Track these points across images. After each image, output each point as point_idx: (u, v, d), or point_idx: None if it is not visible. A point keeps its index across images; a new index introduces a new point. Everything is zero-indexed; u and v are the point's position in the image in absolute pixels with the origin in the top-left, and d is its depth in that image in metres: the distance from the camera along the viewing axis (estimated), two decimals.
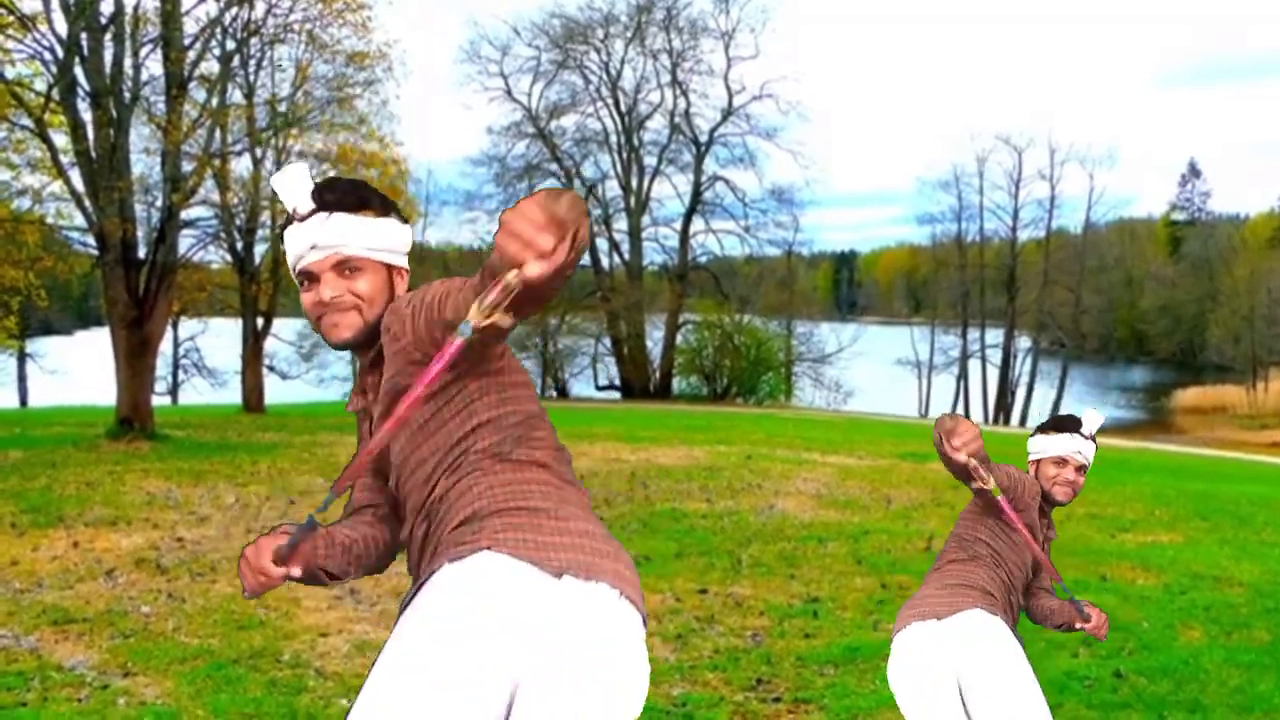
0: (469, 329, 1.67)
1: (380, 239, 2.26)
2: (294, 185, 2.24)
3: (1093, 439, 3.72)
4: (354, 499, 2.41)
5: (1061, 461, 3.67)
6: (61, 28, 15.07)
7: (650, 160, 47.01)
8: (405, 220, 2.35)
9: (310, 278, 2.25)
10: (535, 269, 1.58)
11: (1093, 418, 3.72)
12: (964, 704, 3.15)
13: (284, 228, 2.30)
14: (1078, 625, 3.57)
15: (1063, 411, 4.24)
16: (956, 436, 2.97)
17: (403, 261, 2.32)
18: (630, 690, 1.94)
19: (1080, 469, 3.68)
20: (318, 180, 2.28)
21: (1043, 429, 3.77)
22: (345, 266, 2.22)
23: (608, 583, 1.97)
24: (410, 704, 1.83)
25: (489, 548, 1.98)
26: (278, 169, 22.96)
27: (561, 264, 1.59)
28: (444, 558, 2.02)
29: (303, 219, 2.23)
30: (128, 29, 15.67)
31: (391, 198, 2.36)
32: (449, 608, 1.93)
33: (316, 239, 2.22)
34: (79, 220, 16.05)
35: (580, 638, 1.91)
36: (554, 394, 44.29)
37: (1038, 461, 3.73)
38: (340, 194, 2.25)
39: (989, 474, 3.05)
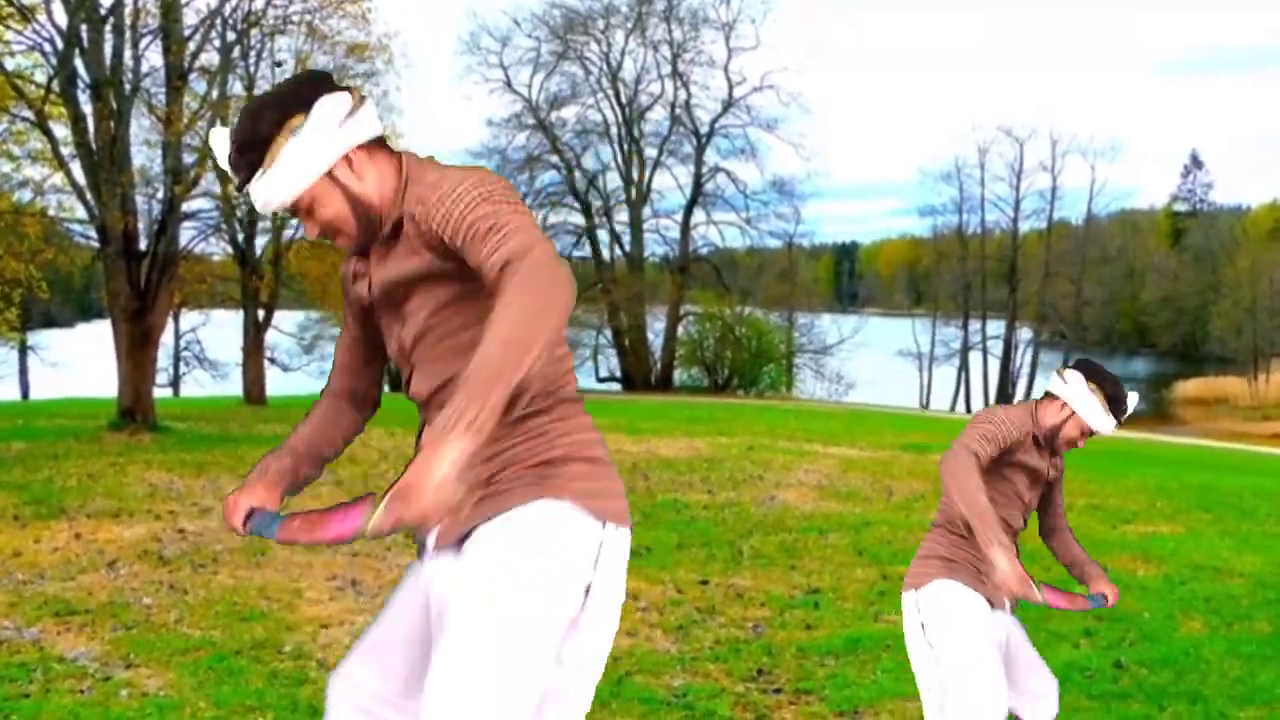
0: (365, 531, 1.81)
1: (299, 170, 2.11)
2: (220, 155, 2.18)
3: None
4: (335, 376, 2.49)
5: (1091, 433, 3.53)
6: (61, 19, 15.05)
7: (651, 152, 47.04)
8: (317, 94, 2.12)
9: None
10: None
11: (1134, 402, 3.59)
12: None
13: None
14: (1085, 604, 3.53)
15: None
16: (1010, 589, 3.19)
17: (343, 146, 2.13)
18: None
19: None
20: (234, 137, 2.15)
21: (1102, 388, 3.52)
22: (299, 208, 2.17)
23: (627, 528, 2.24)
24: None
25: (570, 500, 2.14)
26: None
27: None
28: (523, 496, 2.13)
29: (241, 190, 2.18)
30: (127, 20, 15.64)
31: (302, 81, 2.20)
32: (544, 565, 2.09)
33: (259, 204, 2.17)
34: (80, 212, 16.06)
35: (612, 580, 2.20)
36: None
37: (1072, 413, 3.52)
38: (237, 157, 2.14)
39: (1041, 594, 3.28)
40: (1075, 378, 3.54)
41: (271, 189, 2.12)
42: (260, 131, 2.11)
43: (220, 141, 2.18)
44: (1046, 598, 3.32)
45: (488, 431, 1.76)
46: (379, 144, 2.20)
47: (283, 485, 2.34)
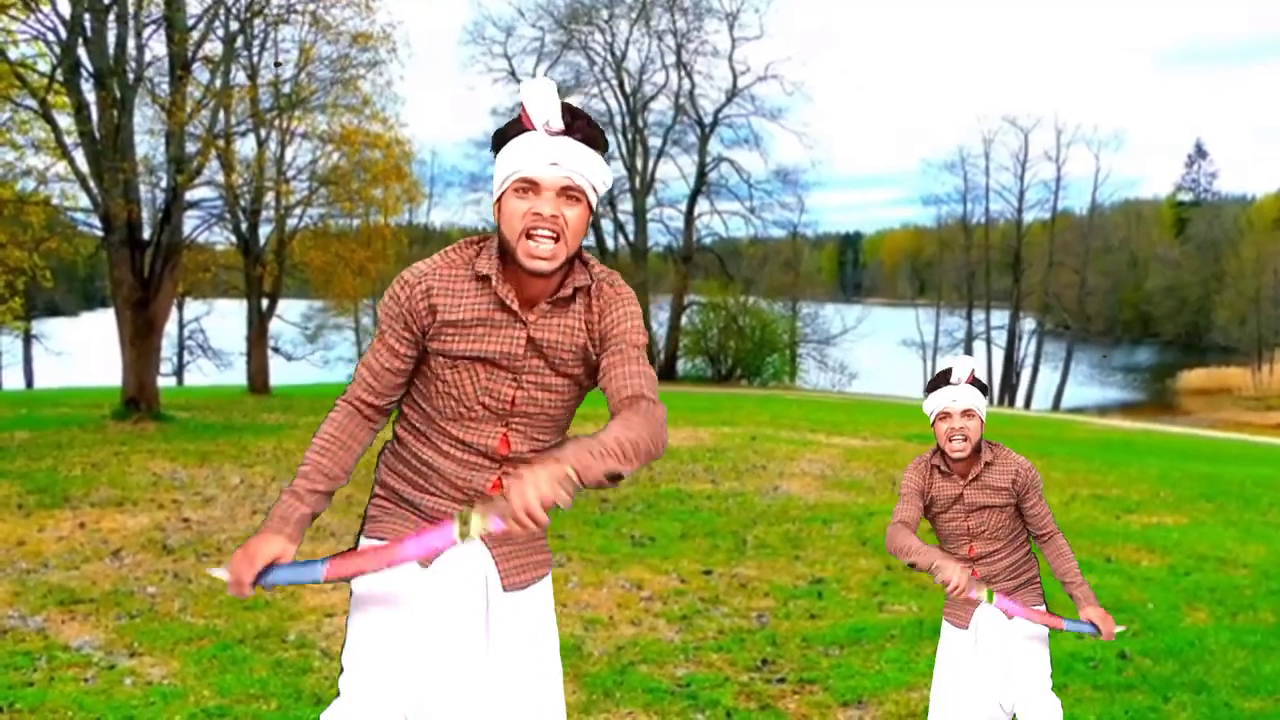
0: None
1: (603, 181, 2.36)
2: (548, 98, 2.31)
3: (973, 384, 3.63)
4: (369, 394, 2.43)
5: (945, 415, 3.62)
6: (65, 8, 15.02)
7: (655, 141, 46.93)
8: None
9: (531, 187, 2.29)
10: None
11: (962, 365, 3.65)
12: None
13: (508, 131, 2.36)
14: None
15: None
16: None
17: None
18: None
19: (966, 413, 3.61)
20: (565, 101, 2.33)
21: (925, 391, 3.73)
22: (568, 193, 2.30)
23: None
24: None
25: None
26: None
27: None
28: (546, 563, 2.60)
29: (553, 134, 2.30)
30: (131, 10, 15.61)
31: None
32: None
33: (558, 157, 2.28)
34: (84, 201, 16.03)
35: None
36: None
37: (933, 425, 3.69)
38: (590, 127, 2.34)
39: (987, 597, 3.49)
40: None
41: (593, 163, 2.34)
42: (603, 137, 2.40)
43: (551, 91, 2.35)
44: (999, 603, 3.46)
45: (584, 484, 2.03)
46: None
47: (301, 535, 2.31)
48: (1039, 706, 3.54)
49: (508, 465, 2.43)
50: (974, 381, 3.65)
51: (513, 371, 2.39)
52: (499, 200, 2.33)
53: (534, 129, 2.31)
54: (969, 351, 51.30)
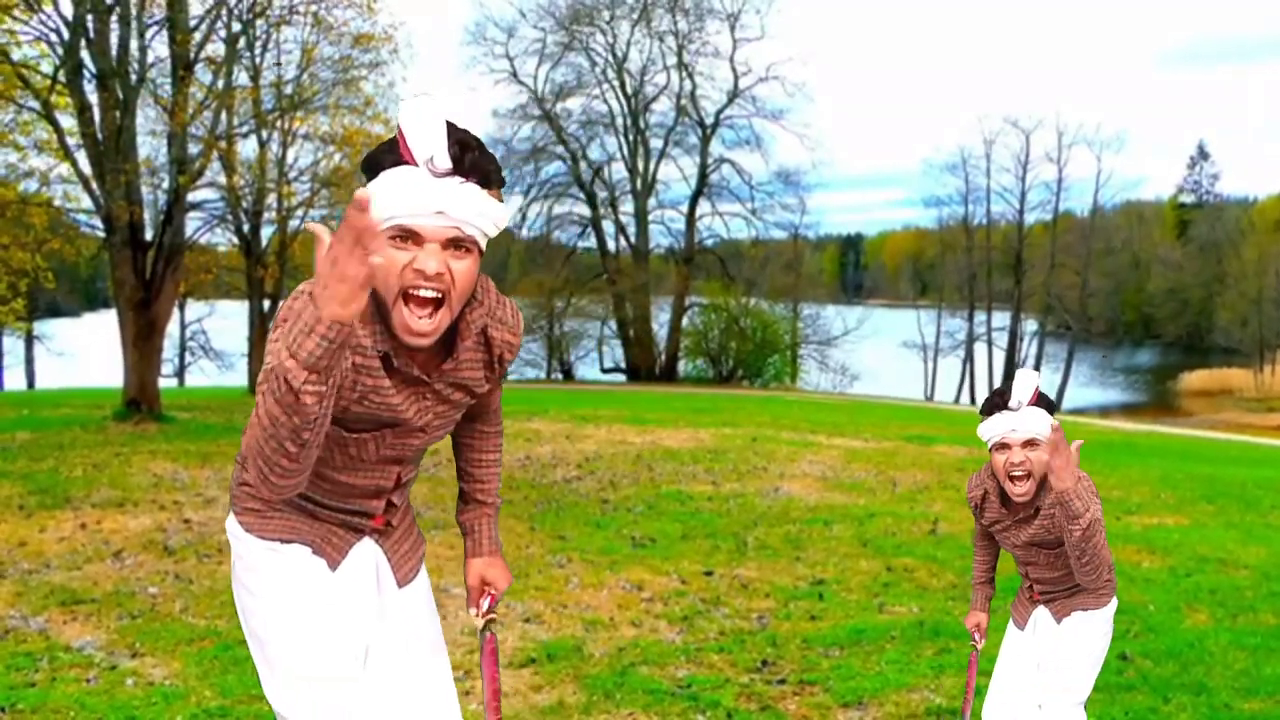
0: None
1: (497, 223, 2.04)
2: (433, 128, 1.95)
3: (1039, 404, 3.16)
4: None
5: (1002, 446, 3.17)
6: (67, 9, 15.03)
7: (656, 143, 47.01)
8: None
9: (412, 237, 1.95)
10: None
11: (1023, 383, 3.15)
12: None
13: (382, 160, 1.98)
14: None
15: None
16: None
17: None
18: None
19: (1028, 444, 3.13)
20: (454, 128, 1.99)
21: (981, 412, 3.27)
22: (456, 243, 1.98)
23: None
24: None
25: None
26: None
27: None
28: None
29: (438, 175, 1.94)
30: (133, 10, 15.63)
31: None
32: None
33: (445, 204, 1.93)
34: (86, 202, 16.04)
35: None
36: (559, 376, 44.36)
37: (990, 452, 3.26)
38: (483, 162, 2.00)
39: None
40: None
41: (485, 208, 2.00)
42: (498, 171, 2.08)
43: (440, 117, 1.98)
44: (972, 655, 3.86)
45: None
46: None
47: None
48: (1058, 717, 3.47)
49: (395, 493, 2.39)
50: (1038, 400, 3.16)
51: (422, 428, 2.24)
52: None
53: (414, 164, 1.94)
54: (970, 353, 51.31)
